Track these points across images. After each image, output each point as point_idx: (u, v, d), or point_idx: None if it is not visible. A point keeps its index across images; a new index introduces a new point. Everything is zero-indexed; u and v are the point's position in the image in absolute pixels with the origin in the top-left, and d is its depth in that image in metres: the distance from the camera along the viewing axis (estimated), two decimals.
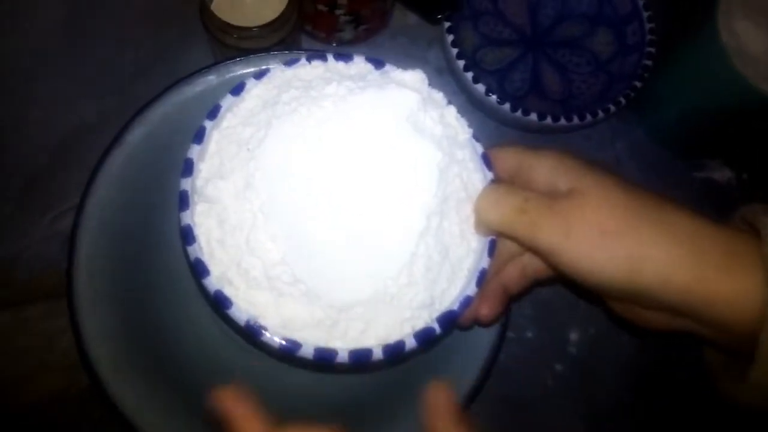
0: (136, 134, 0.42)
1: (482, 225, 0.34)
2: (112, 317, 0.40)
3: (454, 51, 0.51)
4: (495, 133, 0.54)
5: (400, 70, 0.36)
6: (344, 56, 0.36)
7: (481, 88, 0.50)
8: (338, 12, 0.51)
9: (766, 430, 0.37)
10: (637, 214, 0.30)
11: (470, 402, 0.41)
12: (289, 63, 0.36)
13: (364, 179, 0.32)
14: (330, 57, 0.36)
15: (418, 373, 0.42)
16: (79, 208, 0.41)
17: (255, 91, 0.35)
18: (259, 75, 0.35)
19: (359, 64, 0.36)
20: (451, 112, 0.36)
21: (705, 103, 0.51)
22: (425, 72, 0.35)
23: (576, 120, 0.50)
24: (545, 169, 0.33)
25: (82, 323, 0.39)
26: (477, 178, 0.35)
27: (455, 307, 0.33)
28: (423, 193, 0.32)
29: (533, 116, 0.49)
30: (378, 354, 0.31)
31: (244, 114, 0.34)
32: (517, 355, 0.50)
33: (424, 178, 0.32)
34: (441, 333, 0.32)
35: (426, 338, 0.32)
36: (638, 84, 0.51)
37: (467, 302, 0.33)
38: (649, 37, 0.53)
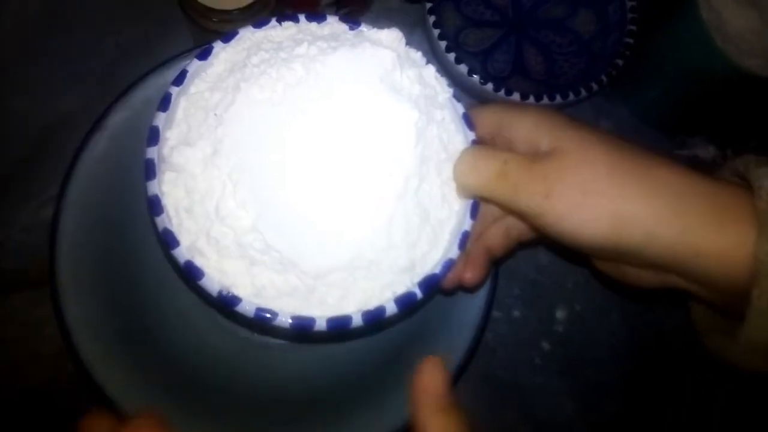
0: (117, 119, 0.40)
1: (462, 189, 0.32)
2: (96, 304, 0.39)
3: (436, 32, 0.49)
4: None
5: (375, 29, 0.34)
6: (317, 16, 0.35)
7: (463, 68, 0.48)
8: None
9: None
10: (619, 171, 0.29)
11: (455, 381, 0.40)
12: (259, 25, 0.34)
13: (338, 141, 0.30)
14: (302, 18, 0.34)
15: (402, 351, 0.41)
16: (60, 195, 0.39)
17: (223, 54, 0.33)
18: (228, 38, 0.33)
19: (333, 24, 0.34)
20: (430, 71, 0.34)
21: (687, 80, 0.50)
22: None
23: (558, 98, 0.48)
24: (526, 127, 0.31)
25: (65, 311, 0.38)
26: (458, 139, 0.33)
27: (437, 270, 0.31)
28: (399, 155, 0.30)
29: (516, 96, 0.48)
30: (357, 321, 0.29)
31: (213, 79, 0.33)
32: (503, 334, 0.49)
33: (400, 139, 0.30)
34: (423, 298, 0.30)
35: (407, 303, 0.30)
36: (620, 62, 0.50)
37: (449, 265, 0.31)
38: (630, 15, 0.51)
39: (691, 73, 0.49)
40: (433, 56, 0.53)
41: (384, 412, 0.39)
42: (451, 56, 0.49)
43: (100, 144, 0.40)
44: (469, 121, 0.34)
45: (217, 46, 0.33)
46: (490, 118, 0.33)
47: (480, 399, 0.48)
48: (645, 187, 0.28)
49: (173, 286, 0.42)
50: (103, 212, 0.41)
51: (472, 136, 0.33)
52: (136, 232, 0.42)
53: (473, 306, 0.41)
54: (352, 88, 0.31)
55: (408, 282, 0.31)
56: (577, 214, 0.29)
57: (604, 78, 0.50)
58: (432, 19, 0.50)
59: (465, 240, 0.32)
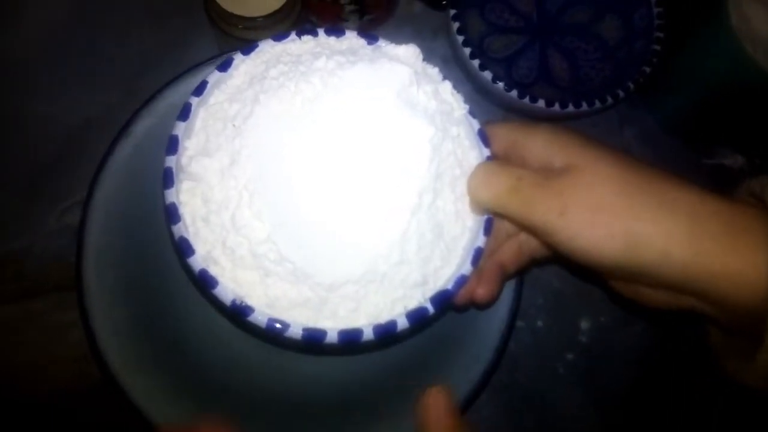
0: (142, 126, 0.41)
1: (475, 204, 0.32)
2: (122, 309, 0.40)
3: (460, 38, 0.49)
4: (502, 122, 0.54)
5: (393, 44, 0.34)
6: (336, 31, 0.35)
7: (487, 75, 0.48)
8: (343, 1, 0.50)
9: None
10: (633, 190, 0.29)
11: (480, 391, 0.40)
12: (279, 38, 0.34)
13: (354, 155, 0.31)
14: (321, 32, 0.35)
15: (430, 357, 0.41)
16: (87, 201, 0.40)
17: (243, 67, 0.33)
18: (248, 50, 0.34)
19: (351, 38, 0.35)
20: (447, 87, 0.34)
21: (715, 88, 0.49)
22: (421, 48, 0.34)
23: (584, 106, 0.48)
24: (540, 144, 0.31)
25: (91, 315, 0.38)
26: (473, 155, 0.33)
27: (449, 286, 0.31)
28: (415, 170, 0.31)
29: (541, 103, 0.48)
30: (369, 334, 0.29)
31: (232, 90, 0.33)
32: (527, 345, 0.49)
33: (415, 154, 0.31)
34: (434, 313, 0.30)
35: (419, 318, 0.30)
36: (647, 69, 0.49)
37: (462, 281, 0.31)
38: (657, 21, 0.51)
39: (719, 80, 0.48)
40: (457, 63, 0.53)
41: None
42: (476, 63, 0.49)
43: (125, 150, 0.41)
44: (484, 137, 0.34)
45: (237, 58, 0.34)
46: (504, 135, 0.34)
47: (502, 407, 0.48)
48: (659, 207, 0.28)
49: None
50: (128, 218, 0.41)
51: (486, 152, 0.33)
52: (161, 238, 0.43)
53: (497, 315, 0.41)
54: (369, 103, 0.31)
55: (420, 297, 0.31)
56: (590, 231, 0.28)
57: (630, 85, 0.49)
58: (456, 25, 0.50)
59: (478, 256, 0.32)
